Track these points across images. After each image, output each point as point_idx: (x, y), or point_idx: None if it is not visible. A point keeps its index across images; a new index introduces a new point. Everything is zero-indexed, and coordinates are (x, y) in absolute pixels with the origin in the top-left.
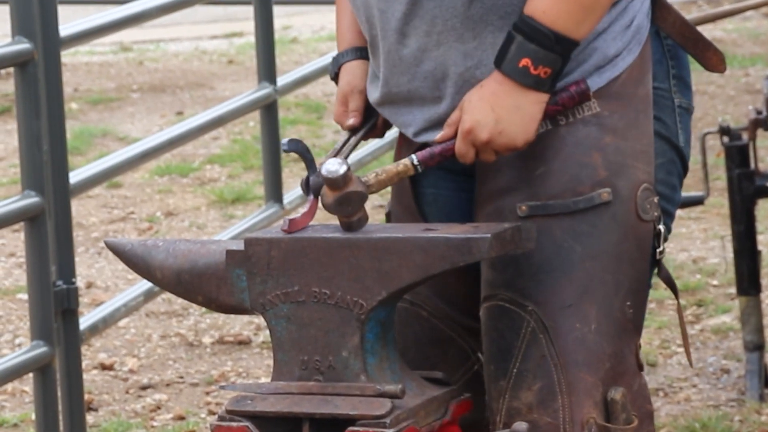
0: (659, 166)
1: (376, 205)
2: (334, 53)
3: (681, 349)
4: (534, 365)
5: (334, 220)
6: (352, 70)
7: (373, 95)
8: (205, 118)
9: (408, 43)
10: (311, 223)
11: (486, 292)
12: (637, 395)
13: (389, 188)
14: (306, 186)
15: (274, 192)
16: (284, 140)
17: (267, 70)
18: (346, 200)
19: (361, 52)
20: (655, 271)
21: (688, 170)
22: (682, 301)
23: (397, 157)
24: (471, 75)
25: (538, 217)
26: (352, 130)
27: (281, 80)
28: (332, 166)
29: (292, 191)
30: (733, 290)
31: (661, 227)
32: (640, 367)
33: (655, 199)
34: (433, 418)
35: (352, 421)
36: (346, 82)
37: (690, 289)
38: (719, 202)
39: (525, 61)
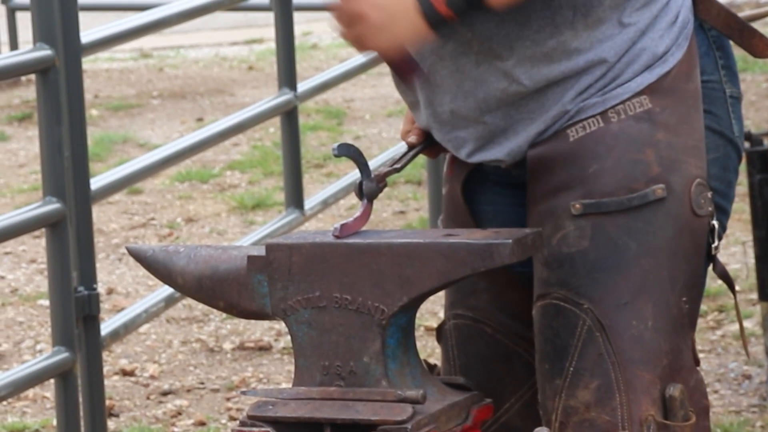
0: (713, 161)
1: (397, 212)
2: (354, 59)
3: (702, 355)
4: (591, 363)
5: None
6: None
7: (420, 120)
8: (226, 124)
9: (445, 65)
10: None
11: (540, 291)
12: (694, 391)
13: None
14: (359, 191)
15: (295, 198)
16: (335, 145)
17: (287, 76)
18: None
19: None
20: (710, 267)
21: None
22: (704, 307)
23: (449, 175)
24: (514, 90)
25: (592, 215)
26: (412, 146)
27: (302, 86)
28: None
29: (313, 197)
30: (754, 296)
31: (715, 223)
32: (696, 362)
33: (709, 194)
34: (455, 423)
35: (373, 426)
36: None
37: (711, 294)
38: (740, 207)
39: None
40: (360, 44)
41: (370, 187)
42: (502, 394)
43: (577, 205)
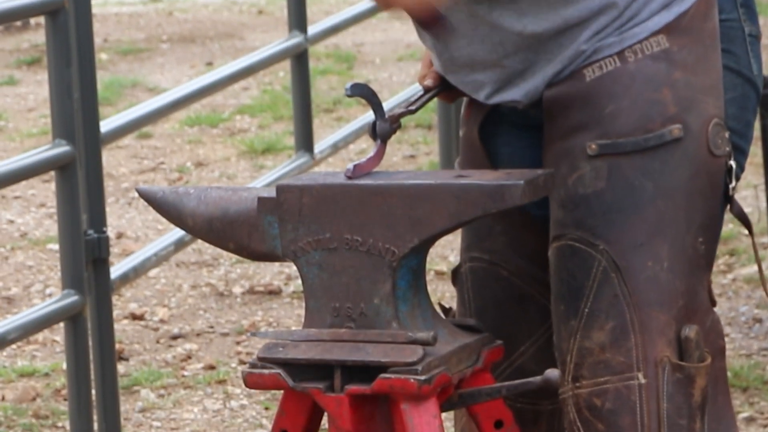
0: (731, 100)
1: (407, 156)
2: (365, 3)
3: None
4: (606, 304)
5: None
6: None
7: (437, 64)
8: (235, 68)
9: (460, 9)
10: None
11: (555, 232)
12: (710, 331)
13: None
14: (373, 131)
15: (305, 142)
16: (348, 84)
17: (298, 18)
18: None
19: None
20: (727, 207)
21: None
22: None
23: (467, 117)
24: (530, 32)
25: (608, 155)
26: (428, 89)
27: (312, 29)
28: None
29: (323, 141)
30: (766, 240)
31: (732, 163)
32: (713, 303)
33: (726, 134)
34: (465, 365)
35: (383, 368)
36: None
37: (723, 238)
38: (753, 151)
39: None
40: (387, 3)
41: (383, 128)
42: (516, 338)
43: (593, 146)
